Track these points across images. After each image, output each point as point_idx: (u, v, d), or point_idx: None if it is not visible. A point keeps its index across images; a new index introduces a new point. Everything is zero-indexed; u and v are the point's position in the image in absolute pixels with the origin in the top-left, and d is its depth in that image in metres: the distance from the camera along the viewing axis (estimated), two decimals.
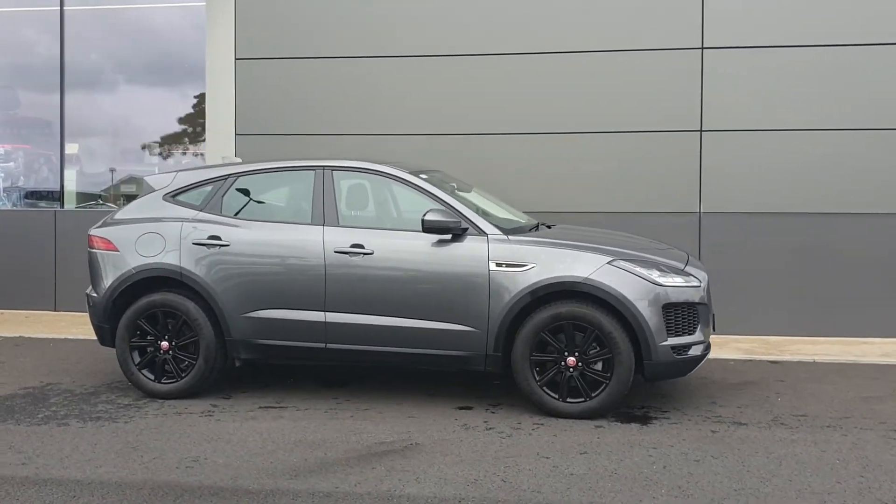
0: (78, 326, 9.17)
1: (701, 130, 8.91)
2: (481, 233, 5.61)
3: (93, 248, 6.19)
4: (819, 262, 8.66)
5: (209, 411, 5.64)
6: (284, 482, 4.23)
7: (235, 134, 9.80)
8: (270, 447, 4.82)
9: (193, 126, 11.40)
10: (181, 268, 5.86)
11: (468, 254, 5.54)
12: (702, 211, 8.91)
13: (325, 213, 5.84)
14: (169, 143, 11.53)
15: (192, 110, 11.30)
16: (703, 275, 5.71)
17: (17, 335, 8.62)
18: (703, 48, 8.89)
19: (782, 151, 8.78)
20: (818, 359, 7.49)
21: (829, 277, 8.64)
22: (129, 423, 5.35)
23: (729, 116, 8.87)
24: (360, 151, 9.07)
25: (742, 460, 4.58)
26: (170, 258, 5.90)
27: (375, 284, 5.65)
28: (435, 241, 5.61)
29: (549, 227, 6.30)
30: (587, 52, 9.09)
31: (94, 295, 6.13)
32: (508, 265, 5.47)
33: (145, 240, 5.99)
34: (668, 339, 5.37)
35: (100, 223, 6.34)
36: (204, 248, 5.87)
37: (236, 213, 6.01)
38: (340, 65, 9.58)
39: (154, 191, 6.27)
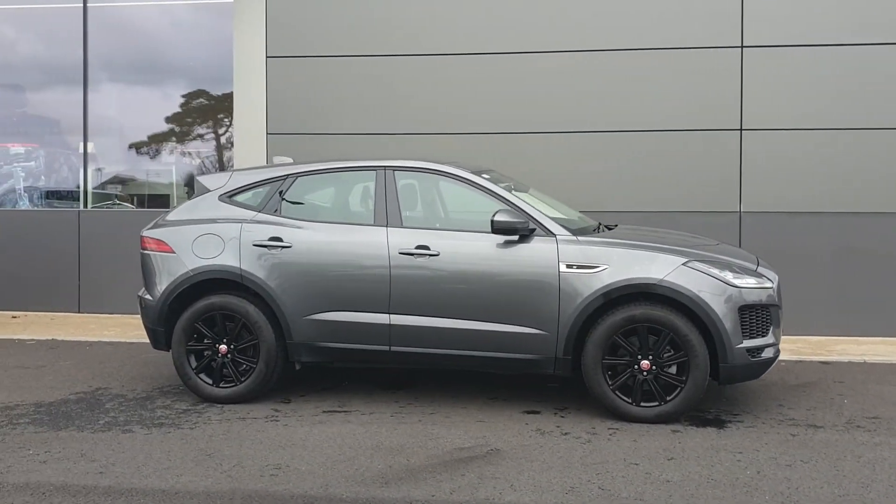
0: (109, 329, 9.05)
1: (741, 129, 8.85)
2: (549, 234, 5.51)
3: (146, 250, 6.05)
4: (860, 262, 8.62)
5: (273, 416, 5.52)
6: (377, 490, 4.12)
7: (267, 133, 9.66)
8: (349, 453, 4.71)
9: (199, 124, 11.28)
10: (241, 269, 5.74)
11: (537, 255, 5.44)
12: (742, 210, 8.84)
13: (388, 214, 5.73)
14: (164, 140, 11.37)
15: (203, 107, 11.16)
16: (774, 275, 5.64)
17: (50, 338, 8.47)
18: (742, 47, 8.82)
19: (823, 150, 8.73)
20: (868, 359, 7.43)
21: (870, 277, 8.59)
22: (194, 429, 5.22)
23: (769, 115, 8.81)
24: (396, 151, 8.97)
25: (833, 465, 4.50)
26: (229, 260, 5.78)
27: (442, 286, 5.55)
28: (501, 241, 5.52)
29: (609, 227, 6.20)
30: (626, 51, 9.02)
31: (149, 297, 5.99)
32: (579, 267, 5.38)
33: (203, 241, 5.86)
34: (744, 341, 5.29)
35: (152, 224, 6.21)
36: (264, 249, 5.76)
37: (297, 214, 5.89)
38: (374, 63, 9.47)
39: (208, 191, 6.15)
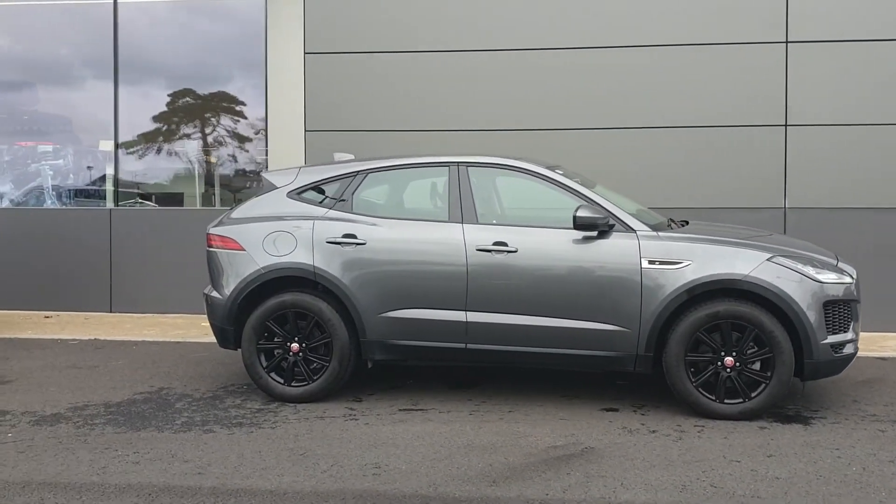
0: (147, 328, 8.97)
1: (786, 125, 8.83)
2: (629, 229, 5.47)
3: (213, 248, 5.97)
4: None
5: (350, 415, 5.46)
6: (487, 489, 4.07)
7: (305, 130, 9.58)
8: (443, 452, 4.65)
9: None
10: (315, 267, 5.67)
11: (619, 251, 5.40)
12: (787, 206, 8.83)
13: (462, 210, 5.67)
14: (180, 138, 11.29)
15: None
16: (853, 270, 5.61)
17: (91, 337, 8.37)
18: (787, 42, 8.81)
19: (866, 145, 8.72)
20: None
21: None
22: (275, 428, 5.15)
23: (814, 110, 8.80)
24: (435, 147, 8.90)
25: None
26: (302, 257, 5.70)
27: (520, 283, 5.49)
28: (579, 237, 5.47)
29: (679, 223, 6.15)
30: (672, 46, 8.99)
31: (217, 295, 5.91)
32: (662, 262, 5.34)
33: (274, 238, 5.78)
34: (828, 337, 5.26)
35: (217, 221, 6.13)
36: (338, 246, 5.68)
37: (370, 211, 5.82)
38: (413, 59, 9.41)
39: (276, 188, 6.07)
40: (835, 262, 5.55)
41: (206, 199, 11.79)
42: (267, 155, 10.07)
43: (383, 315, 5.63)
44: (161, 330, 8.90)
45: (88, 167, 11.31)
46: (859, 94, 8.72)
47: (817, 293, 5.25)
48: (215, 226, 6.06)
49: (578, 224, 5.36)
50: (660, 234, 5.47)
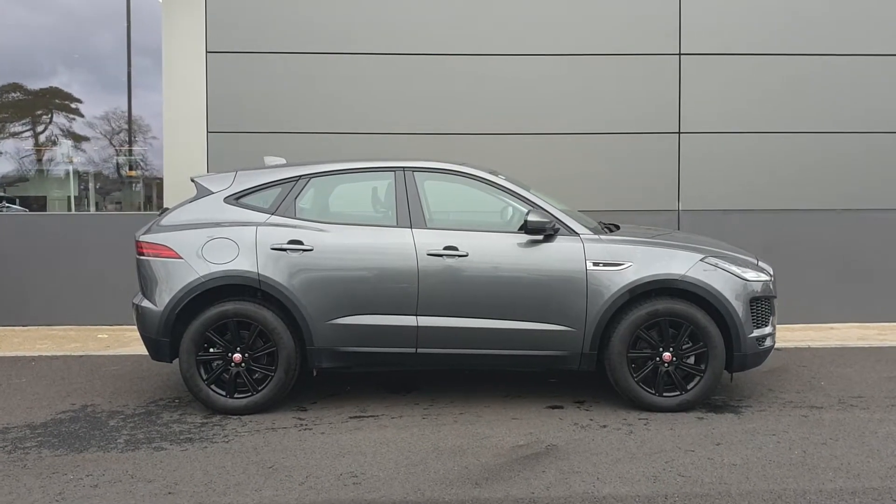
0: (39, 342, 8.42)
1: (679, 132, 9.38)
2: (573, 233, 5.67)
3: (145, 256, 5.69)
4: (787, 255, 9.34)
5: (301, 424, 5.36)
6: (473, 491, 4.13)
7: (208, 131, 9.26)
8: (414, 457, 4.66)
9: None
10: (259, 274, 5.52)
11: (565, 254, 5.59)
12: (680, 209, 9.38)
13: (411, 215, 5.69)
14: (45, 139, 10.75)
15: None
16: (770, 269, 6.06)
17: None
18: (680, 54, 9.36)
19: (753, 152, 9.43)
20: (811, 345, 8.11)
21: (796, 269, 9.35)
22: (229, 442, 4.99)
23: (705, 119, 9.41)
24: (346, 150, 8.89)
25: (860, 441, 4.93)
26: (245, 265, 5.54)
27: (472, 287, 5.57)
28: (525, 241, 5.62)
29: (611, 226, 6.41)
30: (575, 56, 9.33)
31: (150, 306, 5.64)
32: (605, 264, 5.58)
33: (214, 245, 5.58)
34: (753, 331, 5.67)
35: (146, 228, 5.84)
36: (283, 253, 5.56)
37: (315, 217, 5.73)
38: (324, 61, 9.30)
39: (211, 193, 5.85)
40: (755, 261, 5.97)
41: (80, 203, 11.24)
42: (163, 159, 9.64)
43: (331, 322, 5.56)
44: (55, 343, 8.36)
45: None
46: (746, 104, 9.40)
47: (744, 290, 5.65)
48: (145, 233, 5.77)
49: (530, 228, 5.51)
50: (601, 237, 5.71)
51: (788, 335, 8.57)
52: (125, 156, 11.32)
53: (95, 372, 6.97)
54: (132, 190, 12.97)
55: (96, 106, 10.78)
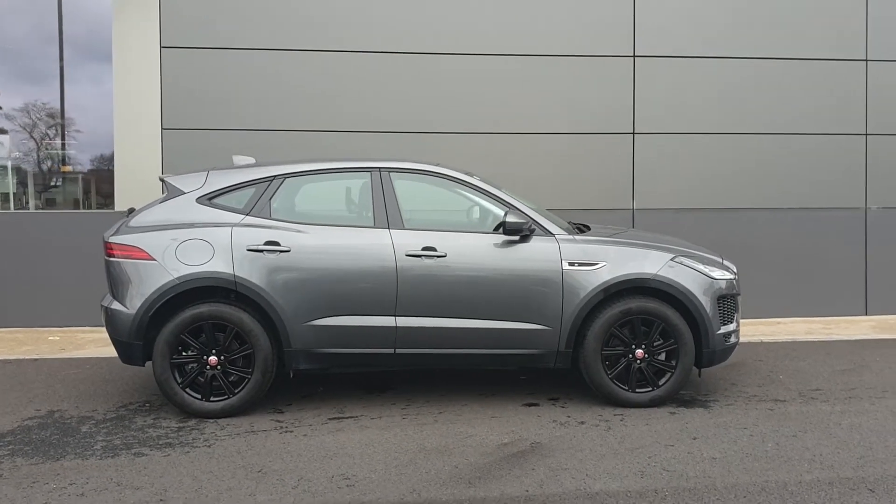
0: None
1: (633, 133, 9.59)
2: (548, 233, 5.77)
3: (115, 258, 5.56)
4: (735, 253, 9.62)
5: (281, 427, 5.32)
6: (468, 490, 4.17)
7: (162, 128, 9.07)
8: (402, 458, 4.68)
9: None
10: (235, 276, 5.46)
11: (542, 254, 5.67)
12: (635, 208, 9.60)
13: (388, 216, 5.69)
14: None
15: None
16: (734, 267, 6.26)
17: None
18: (634, 56, 9.57)
19: (704, 152, 9.70)
20: (763, 339, 8.41)
21: (744, 266, 9.63)
22: (211, 446, 4.92)
23: (658, 120, 9.64)
24: (308, 148, 8.82)
25: (827, 432, 5.15)
26: (221, 266, 5.47)
27: (450, 287, 5.61)
28: (502, 241, 5.69)
29: (582, 226, 6.52)
30: (529, 56, 9.44)
31: (122, 309, 5.51)
32: (581, 264, 5.69)
33: (188, 247, 5.49)
34: (721, 328, 5.86)
35: (115, 229, 5.70)
36: (260, 254, 5.51)
37: (291, 217, 5.69)
38: (279, 57, 9.21)
39: (182, 193, 5.75)
40: (721, 259, 6.17)
41: (18, 201, 10.89)
42: (114, 157, 9.40)
43: (309, 323, 5.53)
44: (5, 346, 8.09)
45: None
46: (699, 106, 9.66)
47: (712, 288, 5.84)
48: (114, 234, 5.64)
49: (508, 229, 5.58)
50: (576, 237, 5.82)
51: (741, 330, 8.82)
52: (52, 150, 11.01)
53: (55, 376, 6.78)
54: (65, 188, 12.63)
55: (19, 98, 10.40)
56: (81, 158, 11.05)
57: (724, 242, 9.47)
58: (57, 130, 10.91)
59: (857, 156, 9.95)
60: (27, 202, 11.63)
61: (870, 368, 7.03)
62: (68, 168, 11.83)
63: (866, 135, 9.93)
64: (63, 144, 11.09)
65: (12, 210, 10.38)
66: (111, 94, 9.22)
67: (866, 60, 9.88)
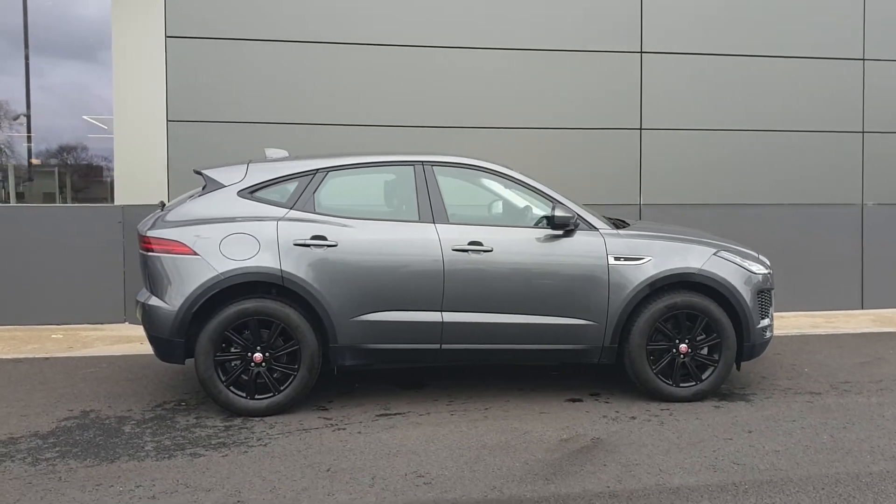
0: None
1: (641, 128, 9.64)
2: (592, 228, 5.75)
3: (153, 252, 5.40)
4: None
5: (331, 424, 5.23)
6: (547, 487, 4.14)
7: (168, 120, 8.85)
8: (468, 455, 4.63)
9: None
10: (282, 271, 5.34)
11: (588, 249, 5.66)
12: (642, 203, 9.66)
13: (433, 210, 5.62)
14: None
15: None
16: (768, 262, 6.33)
17: None
18: (642, 52, 9.62)
19: (709, 148, 9.81)
20: (776, 333, 8.51)
21: None
22: (267, 445, 4.81)
23: (665, 116, 9.70)
24: (319, 141, 8.69)
25: (876, 423, 5.24)
26: (267, 261, 5.34)
27: (496, 282, 5.57)
28: (546, 236, 5.66)
29: (619, 222, 6.49)
30: (543, 51, 9.43)
31: (163, 305, 5.35)
32: (626, 259, 5.69)
33: (233, 241, 5.35)
34: (760, 322, 5.92)
35: (151, 223, 5.53)
36: (307, 248, 5.40)
37: (337, 211, 5.58)
38: (288, 49, 9.04)
39: (223, 186, 5.60)
40: (756, 254, 6.22)
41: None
42: (113, 150, 9.14)
43: (356, 319, 5.44)
44: (8, 345, 7.82)
45: None
46: (704, 102, 9.75)
47: (752, 283, 5.88)
48: (155, 228, 5.47)
49: (557, 223, 5.55)
50: (620, 232, 5.81)
51: None
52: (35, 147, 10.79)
53: (73, 375, 6.57)
54: (41, 181, 12.37)
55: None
56: (54, 151, 10.89)
57: (727, 236, 9.58)
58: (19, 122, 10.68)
59: (854, 153, 10.15)
60: (9, 196, 11.31)
61: (888, 361, 7.17)
62: (36, 161, 11.59)
63: (863, 132, 10.13)
64: (29, 137, 10.86)
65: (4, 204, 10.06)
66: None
67: (863, 60, 10.07)
